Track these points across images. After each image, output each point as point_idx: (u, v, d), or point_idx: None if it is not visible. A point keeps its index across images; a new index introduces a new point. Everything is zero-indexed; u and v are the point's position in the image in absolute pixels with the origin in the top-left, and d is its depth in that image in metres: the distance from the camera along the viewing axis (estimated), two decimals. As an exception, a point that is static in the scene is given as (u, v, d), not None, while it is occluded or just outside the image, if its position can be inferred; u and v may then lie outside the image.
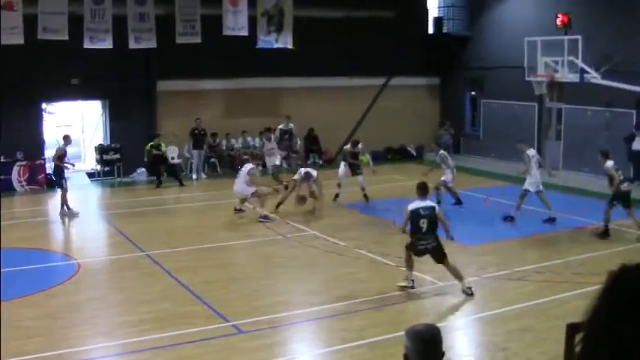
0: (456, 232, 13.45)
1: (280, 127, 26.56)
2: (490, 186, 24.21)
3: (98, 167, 27.81)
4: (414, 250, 12.44)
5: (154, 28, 25.56)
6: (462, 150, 32.47)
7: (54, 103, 29.40)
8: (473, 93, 32.79)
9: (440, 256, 12.45)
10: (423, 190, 12.73)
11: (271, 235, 17.19)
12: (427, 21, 33.19)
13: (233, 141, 29.36)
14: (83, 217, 20.72)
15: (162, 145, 26.17)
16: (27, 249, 16.58)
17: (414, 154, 32.04)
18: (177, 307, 12.04)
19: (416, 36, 31.92)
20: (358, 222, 18.87)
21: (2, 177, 24.89)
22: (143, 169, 27.33)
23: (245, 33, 26.55)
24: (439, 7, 33.50)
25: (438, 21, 33.05)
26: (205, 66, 27.46)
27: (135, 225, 18.52)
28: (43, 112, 28.22)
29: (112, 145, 27.83)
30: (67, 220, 20.47)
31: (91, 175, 27.86)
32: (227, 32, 26.24)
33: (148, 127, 27.77)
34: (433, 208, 12.59)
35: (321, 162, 30.25)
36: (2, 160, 25.22)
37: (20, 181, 25.08)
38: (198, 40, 26.08)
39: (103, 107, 28.82)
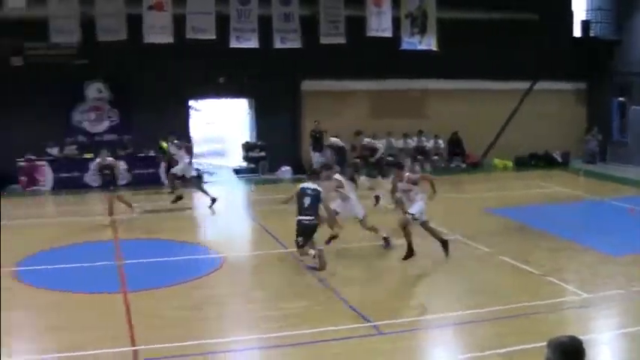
0: (601, 242, 12.90)
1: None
2: (636, 195, 23.23)
3: (244, 164, 28.39)
4: None
5: (298, 29, 25.89)
6: (609, 157, 31.39)
7: (200, 101, 30.18)
8: (621, 99, 31.57)
9: None
10: None
11: (415, 237, 17.01)
12: (572, 24, 32.19)
13: (376, 142, 29.28)
14: (228, 213, 21.19)
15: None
16: (172, 241, 17.07)
17: (560, 160, 31.13)
18: (318, 304, 12.08)
19: (562, 40, 31.04)
20: (503, 228, 18.44)
21: (151, 171, 25.77)
22: (288, 167, 27.73)
23: (389, 34, 26.56)
24: (586, 11, 32.43)
25: (585, 24, 32.01)
26: (349, 66, 27.57)
27: (278, 222, 18.75)
28: (190, 109, 29.00)
29: (258, 143, 28.36)
30: (212, 214, 20.96)
31: (236, 171, 28.49)
32: (371, 33, 26.31)
33: (292, 126, 28.15)
34: None
35: (464, 165, 29.87)
36: (152, 155, 26.09)
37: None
38: (342, 40, 26.25)
39: (250, 105, 29.39)
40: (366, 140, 24.92)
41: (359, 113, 28.98)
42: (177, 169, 22.34)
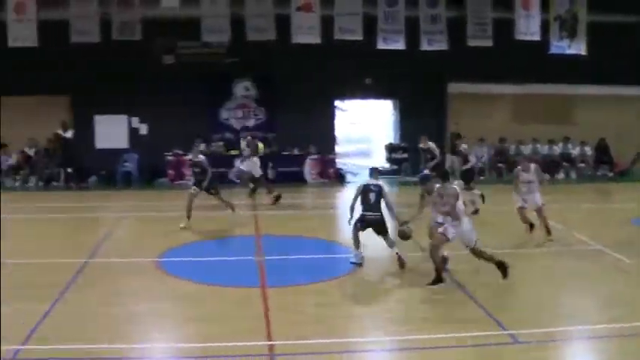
0: None
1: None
2: None
3: (386, 165, 28.37)
4: None
5: (445, 31, 25.69)
6: None
7: (346, 101, 30.34)
8: None
9: None
10: None
11: (555, 246, 16.57)
12: None
13: (522, 147, 28.73)
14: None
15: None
16: (312, 238, 17.21)
17: None
18: (452, 308, 11.92)
19: None
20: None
21: (295, 169, 26.11)
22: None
23: (537, 38, 25.97)
24: None
25: None
26: (495, 70, 27.09)
27: (417, 224, 18.61)
28: (336, 109, 29.20)
29: (401, 145, 28.29)
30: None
31: (379, 172, 28.46)
32: (519, 36, 25.82)
33: (437, 129, 27.92)
34: None
35: (611, 174, 28.84)
36: (296, 153, 26.43)
37: (311, 174, 26.11)
38: (489, 43, 25.87)
39: (394, 107, 29.35)
40: (463, 147, 23.83)
41: (503, 117, 28.51)
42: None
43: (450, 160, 26.78)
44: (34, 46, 24.70)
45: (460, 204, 13.21)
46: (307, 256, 15.46)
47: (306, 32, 24.76)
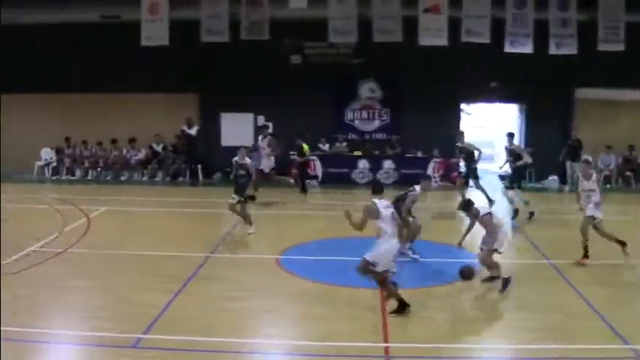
0: None
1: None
2: None
3: (510, 170, 27.77)
4: None
5: (575, 34, 24.97)
6: None
7: (471, 104, 29.98)
8: None
9: None
10: None
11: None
12: None
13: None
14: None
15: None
16: (434, 242, 17.03)
17: None
18: (572, 319, 11.53)
19: None
20: None
21: (418, 171, 25.92)
22: (555, 177, 26.91)
23: (672, 42, 24.96)
24: None
25: None
26: (626, 75, 26.13)
27: (542, 231, 18.22)
28: (461, 112, 28.88)
29: (527, 150, 27.64)
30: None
31: (502, 177, 27.97)
32: (654, 41, 24.86)
33: (562, 135, 27.24)
34: None
35: None
36: (419, 156, 26.27)
37: (434, 177, 25.90)
38: (621, 47, 24.99)
39: (520, 111, 28.81)
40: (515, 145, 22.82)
41: (634, 124, 27.46)
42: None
43: (570, 167, 26.16)
44: (165, 45, 25.36)
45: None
46: (427, 260, 15.32)
47: (432, 34, 24.56)
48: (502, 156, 28.53)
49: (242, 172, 17.91)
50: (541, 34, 24.79)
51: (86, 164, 28.15)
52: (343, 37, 25.52)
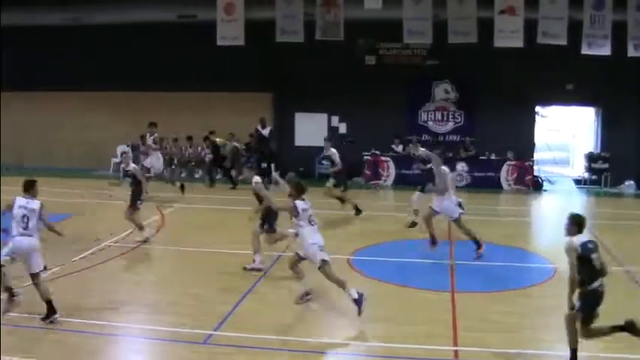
0: None
1: None
2: None
3: (585, 175, 27.41)
4: None
5: (655, 36, 24.39)
6: None
7: (547, 107, 29.59)
8: None
9: None
10: None
11: None
12: None
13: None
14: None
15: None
16: (506, 246, 16.88)
17: None
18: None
19: None
20: None
21: (491, 174, 25.72)
22: (631, 182, 26.38)
23: None
24: None
25: None
26: None
27: (617, 237, 17.88)
28: (536, 115, 28.52)
29: (602, 154, 27.21)
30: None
31: (577, 181, 27.61)
32: None
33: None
34: None
35: None
36: (493, 158, 26.02)
37: (508, 180, 25.63)
38: (700, 48, 24.33)
39: (596, 114, 28.31)
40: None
41: None
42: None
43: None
44: (240, 45, 25.61)
45: None
46: (499, 264, 15.18)
47: (508, 36, 24.27)
48: (579, 161, 28.22)
49: (129, 179, 17.36)
50: (619, 36, 24.29)
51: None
52: (418, 38, 25.39)
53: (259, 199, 14.16)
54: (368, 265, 14.70)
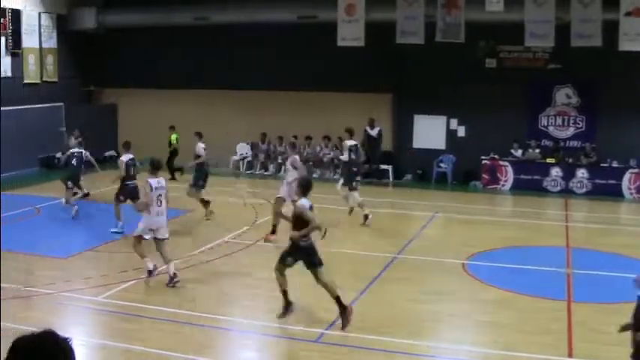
0: None
1: None
2: None
3: None
4: None
5: None
6: None
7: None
8: None
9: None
10: None
11: None
12: None
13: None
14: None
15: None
16: (628, 257, 16.45)
17: None
18: None
19: None
20: None
21: (612, 182, 25.05)
22: None
23: None
24: None
25: None
26: None
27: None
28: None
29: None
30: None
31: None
32: None
33: None
34: None
35: None
36: (614, 166, 25.34)
37: (630, 189, 24.91)
38: None
39: None
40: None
41: None
42: None
43: None
44: (360, 46, 25.75)
45: None
46: (617, 274, 14.79)
47: (633, 39, 23.56)
48: None
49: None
50: None
51: (279, 160, 28.93)
52: (540, 41, 24.93)
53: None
54: (483, 271, 14.60)
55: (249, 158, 29.60)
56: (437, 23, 25.27)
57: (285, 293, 11.25)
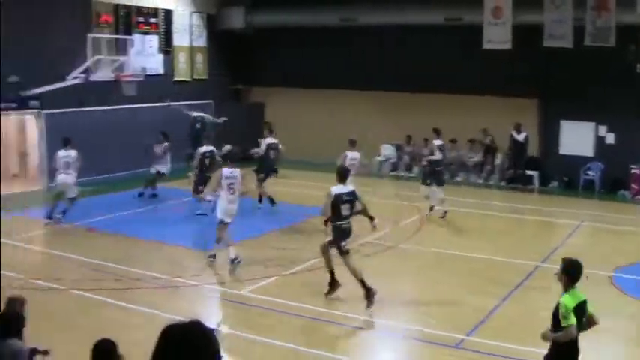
0: None
1: None
2: None
3: None
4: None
5: None
6: None
7: None
8: None
9: None
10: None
11: None
12: None
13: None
14: None
15: None
16: None
17: None
18: None
19: None
20: None
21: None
22: None
23: None
24: None
25: None
26: None
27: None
28: None
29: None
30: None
31: None
32: None
33: None
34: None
35: None
36: None
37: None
38: None
39: None
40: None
41: None
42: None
43: None
44: (507, 49, 25.34)
45: None
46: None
47: None
48: None
49: None
50: None
51: (424, 162, 28.69)
52: None
53: None
54: (630, 284, 14.05)
55: (394, 160, 29.57)
56: (586, 27, 24.54)
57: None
